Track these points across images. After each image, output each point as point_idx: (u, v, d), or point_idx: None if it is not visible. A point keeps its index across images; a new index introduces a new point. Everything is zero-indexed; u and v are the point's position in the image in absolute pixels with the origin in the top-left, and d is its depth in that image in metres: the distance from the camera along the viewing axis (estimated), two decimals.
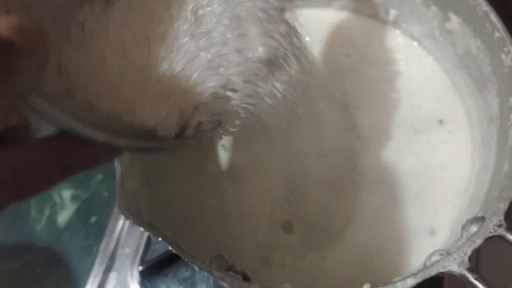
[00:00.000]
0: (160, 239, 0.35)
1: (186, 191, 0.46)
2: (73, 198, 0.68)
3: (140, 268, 0.53)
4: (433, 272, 0.33)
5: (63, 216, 0.67)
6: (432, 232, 0.44)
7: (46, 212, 0.67)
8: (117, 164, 0.38)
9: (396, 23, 0.51)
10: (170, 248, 0.45)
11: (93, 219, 0.66)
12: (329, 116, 0.48)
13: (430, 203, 0.45)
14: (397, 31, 0.52)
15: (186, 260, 0.35)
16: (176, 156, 0.47)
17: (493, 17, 0.40)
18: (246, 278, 0.36)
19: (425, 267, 0.35)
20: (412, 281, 0.33)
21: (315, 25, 0.53)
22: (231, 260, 0.40)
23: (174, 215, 0.45)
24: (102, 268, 0.55)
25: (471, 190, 0.44)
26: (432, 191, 0.45)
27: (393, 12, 0.50)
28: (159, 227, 0.35)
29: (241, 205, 0.46)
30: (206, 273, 0.34)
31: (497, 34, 0.40)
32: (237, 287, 0.34)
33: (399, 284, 0.33)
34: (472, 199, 0.43)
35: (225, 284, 0.34)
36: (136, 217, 0.35)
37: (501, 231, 0.34)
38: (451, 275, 0.49)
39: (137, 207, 0.38)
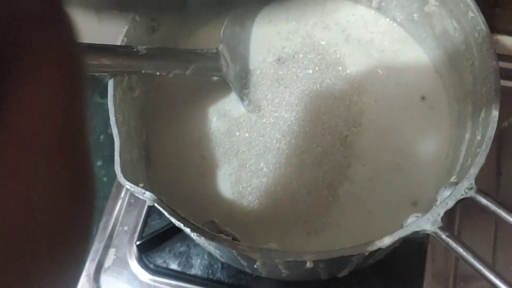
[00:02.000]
0: (156, 203, 0.38)
1: (180, 164, 0.49)
2: None
3: (137, 242, 0.55)
4: (408, 231, 0.36)
5: None
6: (414, 203, 0.46)
7: None
8: (115, 137, 0.40)
9: (379, 8, 0.54)
10: (169, 221, 0.48)
11: None
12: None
13: (412, 175, 0.47)
14: (380, 15, 0.54)
15: (180, 224, 0.38)
16: (172, 126, 0.50)
17: None
18: (234, 239, 0.38)
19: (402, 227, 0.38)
20: (388, 240, 0.36)
21: (300, 10, 0.56)
22: (222, 225, 0.43)
23: (168, 187, 0.48)
24: (102, 245, 0.58)
25: (448, 162, 0.47)
26: (415, 164, 0.48)
27: None
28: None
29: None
30: (197, 235, 0.37)
31: (471, 14, 0.43)
32: (226, 246, 0.36)
33: (376, 242, 0.36)
34: (448, 171, 0.46)
35: (218, 243, 0.36)
36: (134, 184, 0.38)
37: (472, 193, 0.36)
38: (435, 243, 0.53)
39: (134, 177, 0.40)
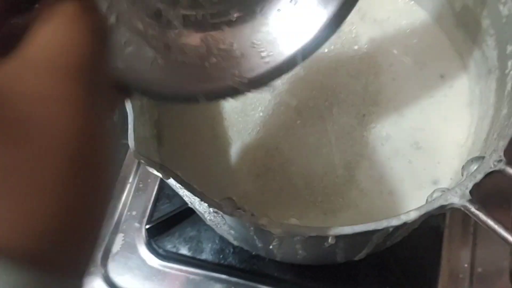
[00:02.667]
0: (170, 179, 0.36)
1: (193, 144, 0.48)
2: None
3: (147, 226, 0.54)
4: (435, 205, 0.35)
5: None
6: (435, 183, 0.45)
7: None
8: (129, 111, 0.39)
9: None
10: (178, 205, 0.46)
11: None
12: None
13: (432, 154, 0.46)
14: None
15: (196, 200, 0.36)
16: (185, 105, 0.49)
17: None
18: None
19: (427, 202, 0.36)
20: (415, 214, 0.34)
21: None
22: (241, 203, 0.41)
23: (181, 168, 0.46)
24: (109, 230, 0.56)
25: (470, 141, 0.46)
26: (434, 143, 0.47)
27: None
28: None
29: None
30: (215, 209, 0.35)
31: None
32: (246, 221, 0.35)
33: (402, 216, 0.34)
34: (471, 149, 0.45)
35: (236, 219, 0.35)
36: (150, 159, 0.36)
37: (501, 166, 0.35)
38: (451, 228, 0.52)
39: (148, 153, 0.39)
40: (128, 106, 0.39)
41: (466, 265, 0.52)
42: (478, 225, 0.35)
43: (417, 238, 0.51)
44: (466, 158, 0.44)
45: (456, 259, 0.52)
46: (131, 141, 0.37)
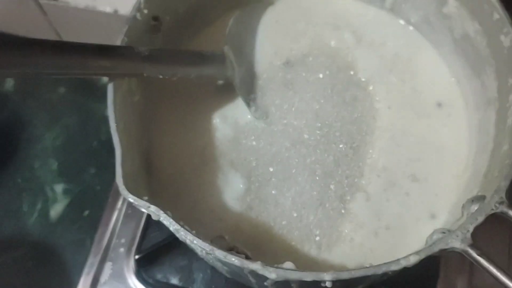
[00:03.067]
0: (161, 218, 0.35)
1: (183, 174, 0.46)
2: (65, 192, 0.67)
3: (136, 257, 0.52)
4: (436, 249, 0.33)
5: (56, 210, 0.66)
6: (433, 216, 0.44)
7: (38, 206, 0.67)
8: (116, 146, 0.37)
9: (393, 10, 0.51)
10: (169, 234, 0.45)
11: (86, 212, 0.65)
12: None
13: (429, 187, 0.45)
14: (394, 16, 0.52)
15: (187, 239, 0.35)
16: (175, 134, 0.47)
17: None
18: (247, 258, 0.36)
19: (427, 245, 0.35)
20: (415, 258, 0.33)
21: (309, 9, 0.53)
22: (231, 240, 0.40)
23: (171, 199, 0.45)
24: (98, 258, 0.55)
25: (468, 173, 0.44)
26: (432, 175, 0.45)
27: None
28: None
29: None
30: (208, 251, 0.34)
31: (496, 16, 0.40)
32: (239, 265, 0.33)
33: (402, 261, 0.33)
34: (469, 182, 0.43)
35: (229, 262, 0.33)
36: (138, 197, 0.35)
37: (503, 208, 0.34)
38: (447, 259, 0.51)
39: (137, 189, 0.37)
40: (115, 139, 0.37)
41: None
42: None
43: (412, 269, 0.50)
44: (464, 191, 0.44)
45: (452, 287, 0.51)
46: (118, 179, 0.36)
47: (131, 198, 0.35)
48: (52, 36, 0.73)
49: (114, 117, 0.38)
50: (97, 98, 0.73)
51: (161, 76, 0.41)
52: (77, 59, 0.36)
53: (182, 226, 0.34)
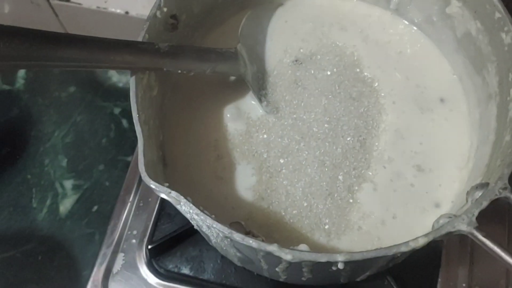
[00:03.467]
0: (182, 203, 0.36)
1: (197, 165, 0.48)
2: (75, 187, 0.69)
3: (149, 247, 0.54)
4: (443, 231, 0.35)
5: (65, 205, 0.67)
6: (437, 205, 0.46)
7: (48, 202, 0.68)
8: (139, 136, 0.39)
9: (397, 10, 0.54)
10: (180, 225, 0.46)
11: (95, 208, 0.67)
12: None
13: (433, 177, 0.47)
14: (398, 17, 0.54)
15: (207, 223, 0.36)
16: (189, 127, 0.49)
17: None
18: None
19: (434, 229, 0.37)
20: (423, 240, 0.35)
21: (317, 10, 0.55)
22: (247, 226, 0.41)
23: (186, 190, 0.46)
24: (110, 250, 0.56)
25: (470, 165, 0.47)
26: (436, 166, 0.47)
27: (395, 0, 0.53)
28: None
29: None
30: (226, 234, 0.35)
31: (497, 15, 0.42)
32: (256, 247, 0.35)
33: (411, 243, 0.35)
34: (472, 172, 0.46)
35: (247, 244, 0.35)
36: (160, 184, 0.37)
37: (507, 193, 0.36)
38: (449, 248, 0.52)
39: (156, 177, 0.39)
40: (138, 129, 0.39)
41: (464, 285, 0.53)
42: (475, 244, 0.36)
43: (415, 258, 0.52)
44: (467, 182, 0.46)
45: (454, 278, 0.53)
46: (141, 167, 0.38)
47: (153, 184, 0.37)
48: None
49: (136, 108, 0.40)
50: (106, 96, 0.75)
51: (179, 71, 0.43)
52: (103, 53, 0.38)
53: (202, 210, 0.36)
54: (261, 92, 0.50)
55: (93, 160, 0.71)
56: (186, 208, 0.37)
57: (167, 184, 0.37)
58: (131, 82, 0.41)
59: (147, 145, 0.40)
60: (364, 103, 0.50)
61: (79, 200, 0.68)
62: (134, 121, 0.39)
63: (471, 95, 0.49)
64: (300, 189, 0.46)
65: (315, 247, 0.44)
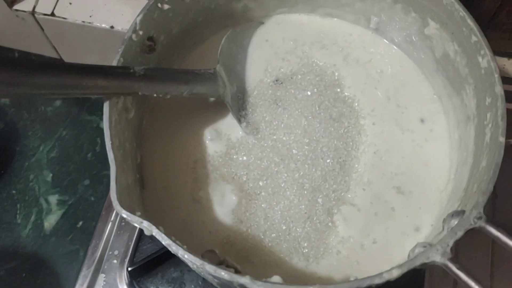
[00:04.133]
0: (154, 233, 0.36)
1: (175, 187, 0.47)
2: (59, 203, 0.68)
3: (129, 268, 0.53)
4: (417, 262, 0.35)
5: (49, 221, 0.67)
6: (417, 229, 0.46)
7: (32, 218, 0.67)
8: (111, 163, 0.38)
9: (377, 30, 0.53)
10: (162, 246, 0.46)
11: (80, 224, 0.66)
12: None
13: (413, 200, 0.46)
14: (378, 36, 0.54)
15: (179, 254, 0.36)
16: (167, 148, 0.48)
17: (470, 21, 0.42)
18: (236, 272, 0.37)
19: (409, 258, 0.37)
20: (397, 272, 0.35)
21: (297, 29, 0.55)
22: (222, 255, 0.41)
23: (164, 211, 0.46)
24: (91, 270, 0.55)
25: (450, 187, 0.46)
26: (416, 188, 0.47)
27: (374, 19, 0.52)
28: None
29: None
30: (198, 265, 0.35)
31: (474, 38, 0.42)
32: (229, 279, 0.35)
33: (385, 275, 0.35)
34: (451, 195, 0.45)
35: (219, 276, 0.35)
36: (131, 213, 0.36)
37: (481, 223, 0.36)
38: (432, 271, 0.52)
39: (131, 203, 0.39)
40: (110, 156, 0.39)
41: None
42: None
43: (398, 280, 0.52)
44: (446, 205, 0.45)
45: None
46: (113, 194, 0.37)
47: (125, 214, 0.36)
48: (49, 50, 0.75)
49: (110, 134, 0.39)
50: (92, 110, 0.74)
51: (155, 95, 0.43)
52: (75, 79, 0.38)
53: (173, 241, 0.36)
54: (241, 113, 0.50)
55: (78, 175, 0.70)
56: (159, 238, 0.36)
57: (139, 213, 0.37)
58: (105, 107, 0.40)
59: (121, 171, 0.39)
60: (344, 124, 0.50)
61: (64, 216, 0.67)
62: (107, 147, 0.39)
63: (450, 116, 0.49)
64: (279, 212, 0.46)
65: (294, 272, 0.44)
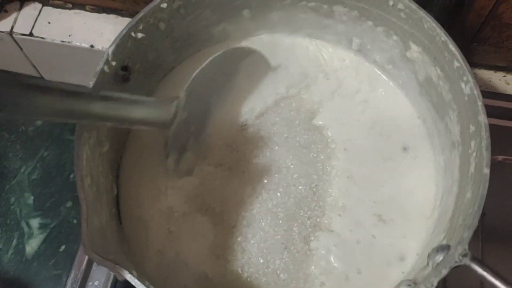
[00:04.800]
0: (127, 277, 0.35)
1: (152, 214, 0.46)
2: (41, 226, 0.67)
3: None
4: None
5: (31, 246, 0.66)
6: (402, 258, 0.44)
7: (14, 242, 0.66)
8: (81, 201, 0.37)
9: (360, 51, 0.52)
10: None
11: (62, 247, 0.65)
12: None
13: (397, 228, 0.45)
14: (362, 58, 0.52)
15: None
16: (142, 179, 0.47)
17: (452, 47, 0.41)
18: None
19: None
20: None
21: (282, 51, 0.53)
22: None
23: (141, 244, 0.45)
24: None
25: (435, 214, 0.45)
26: (398, 216, 0.46)
27: (356, 41, 0.51)
28: (127, 263, 0.35)
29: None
30: None
31: (456, 64, 0.41)
32: None
33: None
34: (437, 224, 0.44)
35: None
36: (102, 257, 0.35)
37: (466, 261, 0.35)
38: None
39: (104, 243, 0.37)
40: (81, 198, 0.37)
41: None
42: None
43: None
44: (432, 233, 0.44)
45: None
46: (84, 237, 0.36)
47: (96, 259, 0.35)
48: (29, 69, 0.73)
49: (81, 174, 0.38)
50: (74, 130, 0.72)
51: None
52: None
53: (148, 286, 0.34)
54: (181, 150, 0.48)
55: (60, 197, 0.69)
56: (132, 283, 0.35)
57: (111, 257, 0.35)
58: (76, 144, 0.39)
59: (93, 211, 0.38)
60: (313, 150, 0.49)
61: (46, 240, 0.66)
62: (77, 187, 0.38)
63: (435, 141, 0.47)
64: (256, 245, 0.45)
65: None
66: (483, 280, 0.34)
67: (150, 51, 0.47)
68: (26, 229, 0.67)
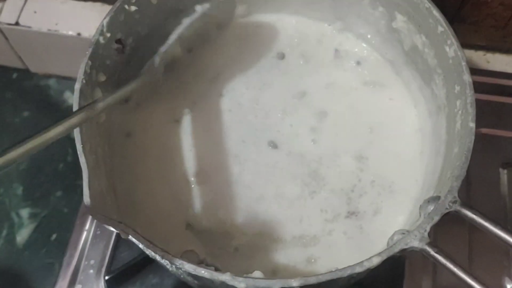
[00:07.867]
0: (130, 236, 0.35)
1: (151, 189, 0.47)
2: (32, 216, 0.66)
3: (106, 277, 0.52)
4: (396, 249, 0.35)
5: (22, 235, 0.65)
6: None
7: (4, 232, 0.65)
8: (83, 167, 0.38)
9: (345, 26, 0.54)
10: (139, 252, 0.45)
11: (54, 236, 0.65)
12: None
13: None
14: (348, 33, 0.54)
15: (157, 257, 0.35)
16: (142, 153, 0.48)
17: (436, 12, 0.43)
18: (217, 270, 0.36)
19: (388, 246, 0.37)
20: (377, 259, 0.35)
21: (268, 30, 0.55)
22: (201, 254, 0.40)
23: (141, 215, 0.45)
24: (66, 282, 0.54)
25: (424, 177, 0.47)
26: (392, 180, 0.48)
27: (342, 15, 0.53)
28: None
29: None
30: (178, 265, 0.34)
31: (440, 28, 0.43)
32: (209, 277, 0.34)
33: (365, 263, 0.35)
34: (425, 185, 0.46)
35: (199, 275, 0.34)
36: (107, 217, 0.35)
37: (456, 207, 0.36)
38: (412, 259, 0.53)
39: (105, 208, 0.38)
40: (82, 160, 0.38)
41: None
42: None
43: (379, 271, 0.52)
44: (421, 194, 0.46)
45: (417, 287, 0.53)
46: (86, 199, 0.36)
47: (100, 218, 0.35)
48: (14, 61, 0.73)
49: (80, 138, 0.38)
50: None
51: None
52: None
53: (151, 242, 0.35)
54: None
55: (50, 187, 0.68)
56: (135, 241, 0.35)
57: (114, 217, 0.36)
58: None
59: (94, 176, 0.38)
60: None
61: (37, 229, 0.66)
62: (78, 151, 0.38)
63: (421, 108, 0.49)
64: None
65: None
66: (473, 222, 0.35)
67: (142, 26, 0.48)
68: (16, 219, 0.66)
